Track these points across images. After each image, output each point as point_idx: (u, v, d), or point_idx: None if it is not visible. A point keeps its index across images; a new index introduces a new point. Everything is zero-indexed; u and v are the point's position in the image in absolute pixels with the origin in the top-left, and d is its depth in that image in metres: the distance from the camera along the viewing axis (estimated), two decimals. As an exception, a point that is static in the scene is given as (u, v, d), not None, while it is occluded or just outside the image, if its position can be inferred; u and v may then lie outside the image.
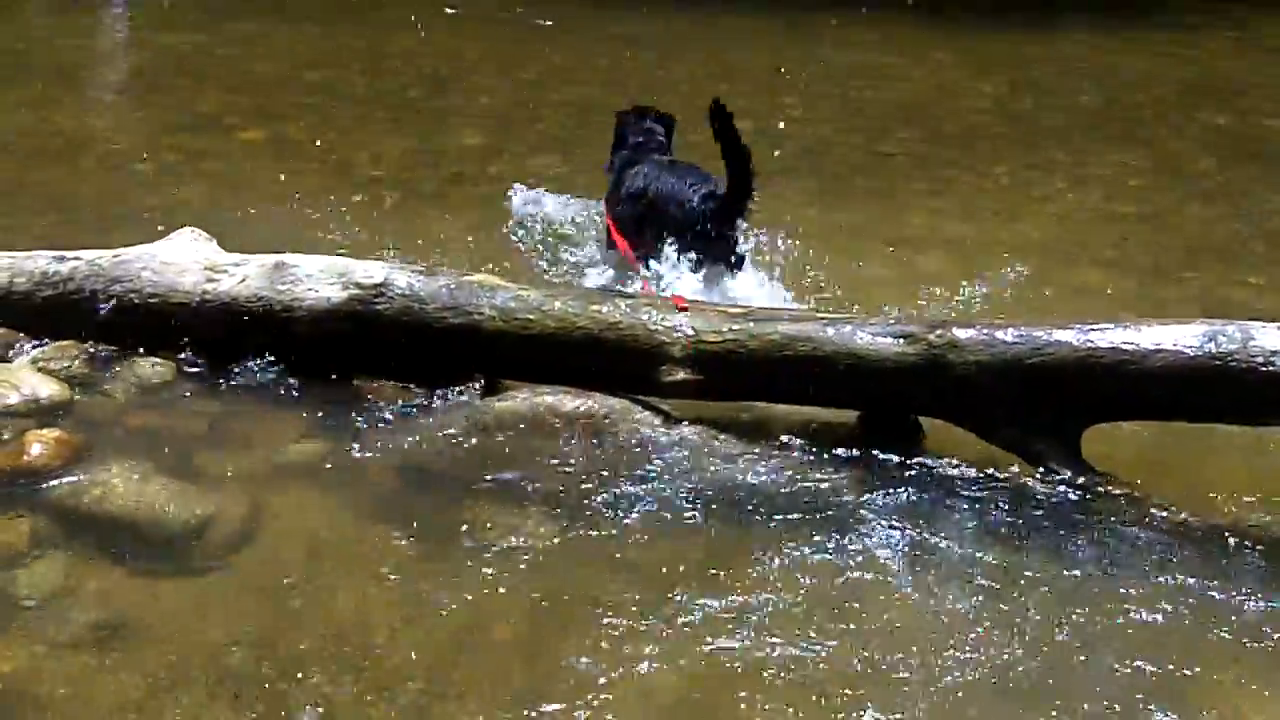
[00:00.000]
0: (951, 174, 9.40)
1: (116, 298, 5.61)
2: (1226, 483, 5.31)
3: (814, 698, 4.10)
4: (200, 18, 13.66)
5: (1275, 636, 4.46)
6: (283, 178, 8.48)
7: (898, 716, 4.05)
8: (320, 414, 5.39)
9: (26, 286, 5.68)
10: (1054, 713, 4.09)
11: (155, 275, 5.65)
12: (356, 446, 5.20)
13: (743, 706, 4.06)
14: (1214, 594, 4.64)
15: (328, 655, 4.18)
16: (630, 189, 6.67)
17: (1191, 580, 4.69)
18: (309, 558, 4.64)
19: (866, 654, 4.30)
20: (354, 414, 5.39)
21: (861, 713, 4.05)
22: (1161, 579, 4.70)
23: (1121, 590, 4.64)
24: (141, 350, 5.60)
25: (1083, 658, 4.34)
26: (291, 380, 5.51)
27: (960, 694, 4.16)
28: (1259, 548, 4.90)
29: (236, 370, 5.55)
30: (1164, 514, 5.05)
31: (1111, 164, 9.74)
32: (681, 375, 5.35)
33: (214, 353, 5.58)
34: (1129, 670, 4.28)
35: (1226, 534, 4.96)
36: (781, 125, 10.10)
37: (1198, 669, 4.29)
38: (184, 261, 5.69)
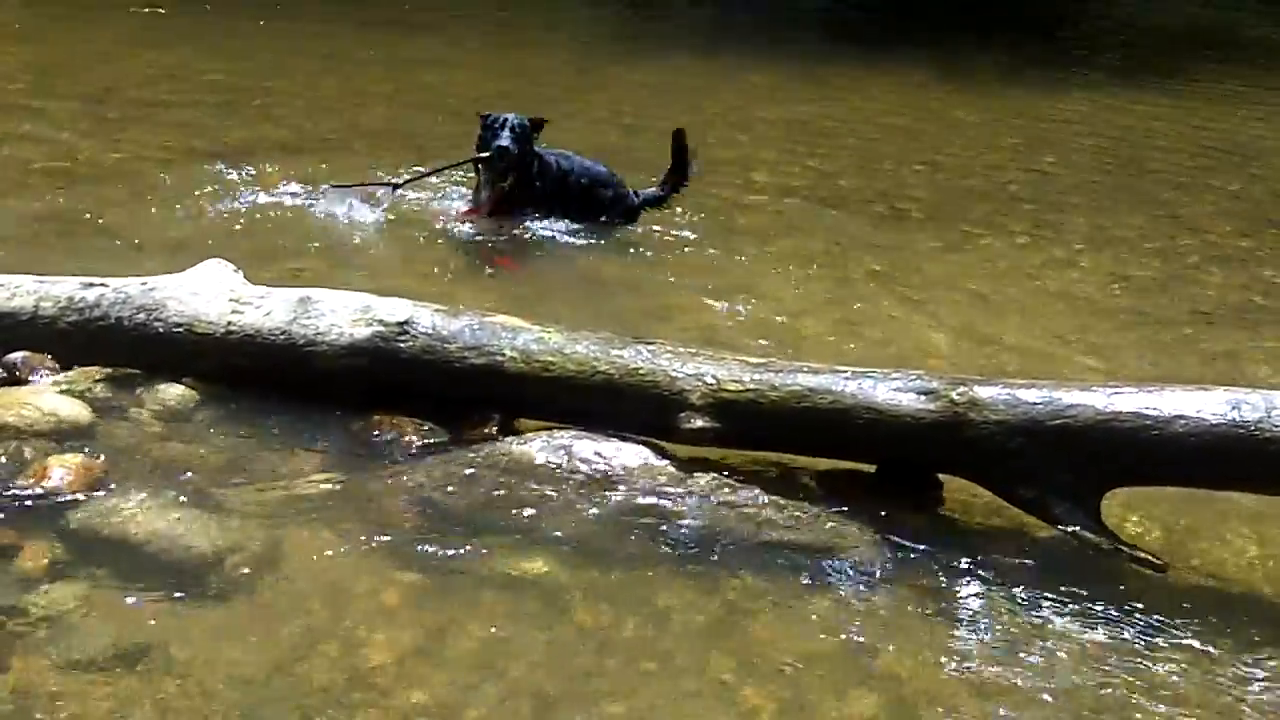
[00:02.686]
0: (968, 231, 9.42)
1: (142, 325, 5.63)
2: (1247, 551, 5.31)
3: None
4: None
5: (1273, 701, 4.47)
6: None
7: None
8: (340, 448, 5.40)
9: (53, 311, 5.69)
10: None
11: (181, 305, 5.66)
12: (374, 482, 5.21)
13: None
14: (1237, 663, 4.64)
15: (341, 690, 4.18)
16: (555, 170, 8.70)
17: (1208, 643, 4.69)
18: (325, 591, 4.64)
19: (881, 711, 4.30)
20: (373, 449, 5.40)
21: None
22: (1182, 645, 4.69)
23: (1141, 654, 4.64)
24: (167, 377, 5.60)
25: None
26: (312, 413, 5.52)
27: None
28: (1272, 614, 4.90)
29: (259, 401, 5.55)
30: (1184, 580, 5.05)
31: (1128, 226, 9.76)
32: (700, 423, 5.35)
33: (236, 383, 5.59)
34: (1142, 716, 4.30)
35: (1248, 602, 4.96)
36: (797, 173, 10.17)
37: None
38: (210, 292, 5.71)
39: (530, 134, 8.39)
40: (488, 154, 8.26)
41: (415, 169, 8.86)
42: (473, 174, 8.71)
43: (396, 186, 8.39)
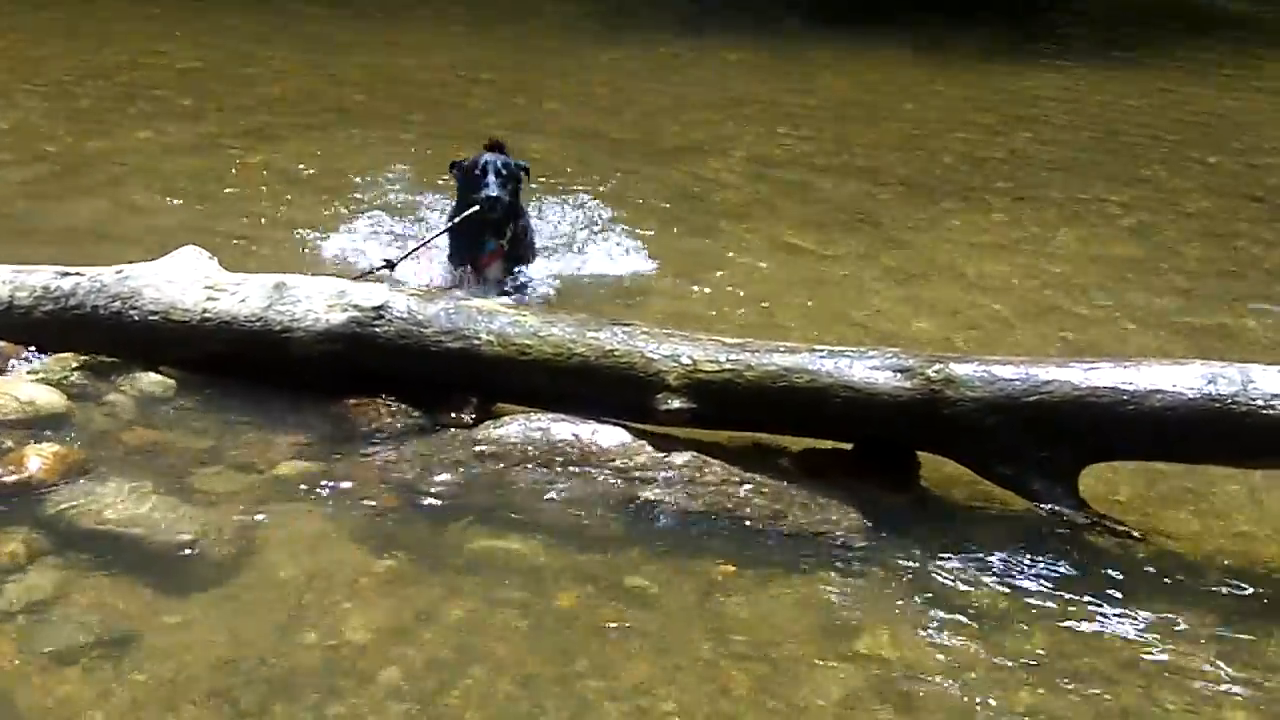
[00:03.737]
0: (946, 207, 9.43)
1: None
2: (1223, 524, 5.33)
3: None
4: None
5: (1263, 666, 4.51)
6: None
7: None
8: (317, 434, 5.39)
9: (28, 301, 5.67)
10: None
11: (157, 292, 5.64)
12: (352, 466, 5.20)
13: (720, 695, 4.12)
14: (1215, 636, 4.66)
15: (322, 675, 4.18)
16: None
17: (1190, 620, 4.71)
18: (304, 577, 4.63)
19: (861, 687, 4.31)
20: (350, 435, 5.39)
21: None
22: (1159, 618, 4.71)
23: (1119, 627, 4.65)
24: (143, 365, 5.59)
25: (1085, 694, 4.35)
26: (289, 399, 5.51)
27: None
28: (1257, 590, 4.91)
29: (236, 387, 5.54)
30: (1160, 553, 5.07)
31: (1107, 200, 9.77)
32: (677, 404, 5.35)
33: (213, 370, 5.58)
34: (1129, 705, 4.30)
35: (1226, 575, 4.98)
36: (777, 153, 10.16)
37: (1196, 708, 4.32)
38: (185, 279, 5.69)
39: (519, 175, 7.37)
40: (474, 207, 7.11)
41: (410, 241, 7.43)
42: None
43: (392, 265, 6.72)
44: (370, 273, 6.45)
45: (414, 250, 6.96)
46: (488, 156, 7.28)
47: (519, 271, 7.44)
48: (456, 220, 7.20)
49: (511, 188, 7.23)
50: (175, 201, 8.51)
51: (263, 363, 5.55)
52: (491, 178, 7.14)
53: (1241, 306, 7.71)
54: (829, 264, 8.11)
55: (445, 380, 5.50)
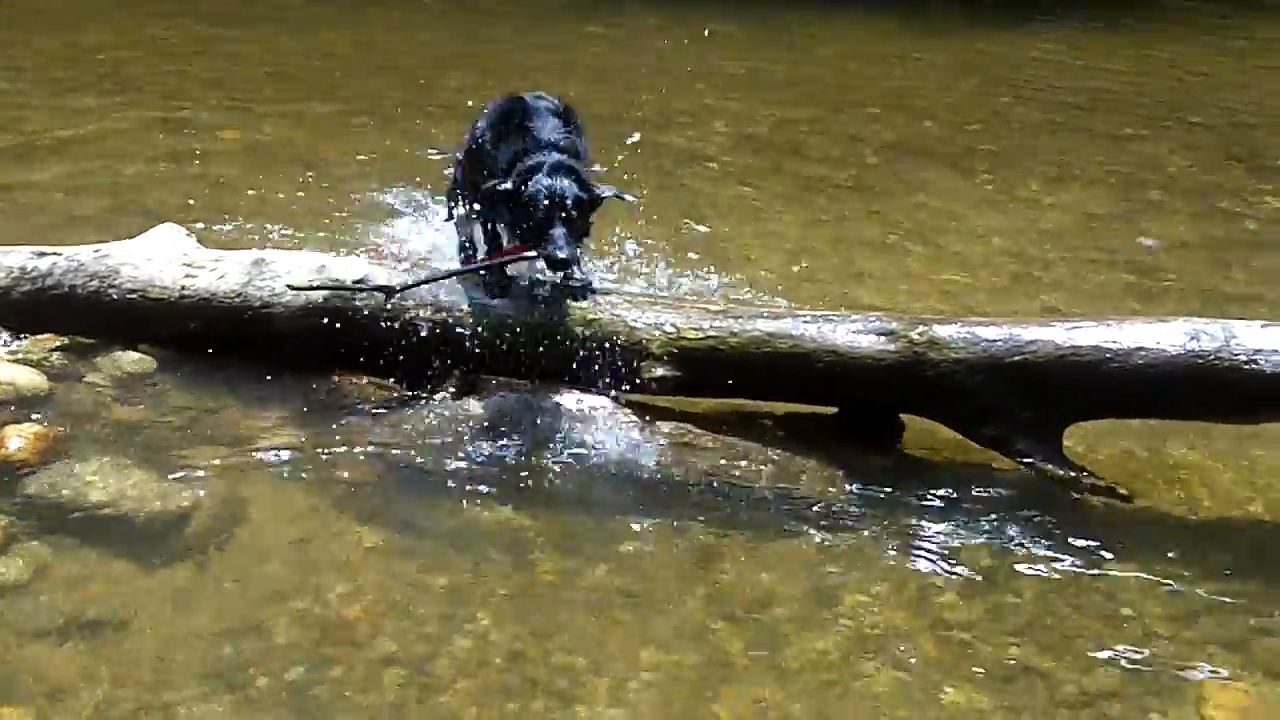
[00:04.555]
0: (930, 172, 9.40)
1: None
2: (1206, 479, 5.33)
3: (791, 688, 4.14)
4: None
5: (1249, 624, 4.54)
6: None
7: (874, 705, 4.10)
8: (299, 409, 5.37)
9: (5, 282, 5.64)
10: (1042, 704, 4.13)
11: (135, 271, 5.61)
12: (336, 441, 5.19)
13: (723, 691, 4.11)
14: (1201, 591, 4.68)
15: (310, 646, 4.18)
16: None
17: (1168, 571, 4.73)
18: (290, 549, 4.64)
19: (849, 647, 4.34)
20: (333, 409, 5.37)
21: (832, 694, 4.12)
22: (1145, 575, 4.72)
23: (1104, 584, 4.66)
24: (122, 344, 5.56)
25: (1061, 647, 4.38)
26: (270, 375, 5.47)
27: (943, 683, 4.20)
28: (1242, 546, 4.92)
29: (217, 365, 5.51)
30: (1145, 510, 5.08)
31: (1090, 163, 9.75)
32: (661, 372, 5.33)
33: (194, 347, 5.54)
34: (1116, 662, 4.33)
35: (1212, 530, 5.00)
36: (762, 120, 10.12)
37: (1183, 660, 4.35)
38: (163, 257, 5.66)
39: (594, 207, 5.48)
40: (537, 254, 5.32)
41: (419, 272, 5.72)
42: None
43: (391, 293, 5.34)
44: (363, 288, 5.40)
45: (418, 284, 5.42)
46: (550, 177, 5.31)
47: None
48: (481, 266, 5.61)
49: (583, 229, 5.42)
50: (152, 179, 8.45)
51: (243, 339, 5.51)
52: (558, 230, 5.25)
53: (1224, 265, 7.71)
54: (813, 229, 8.08)
55: (428, 353, 5.47)
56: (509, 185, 5.32)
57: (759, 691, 4.10)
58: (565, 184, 5.27)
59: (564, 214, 5.22)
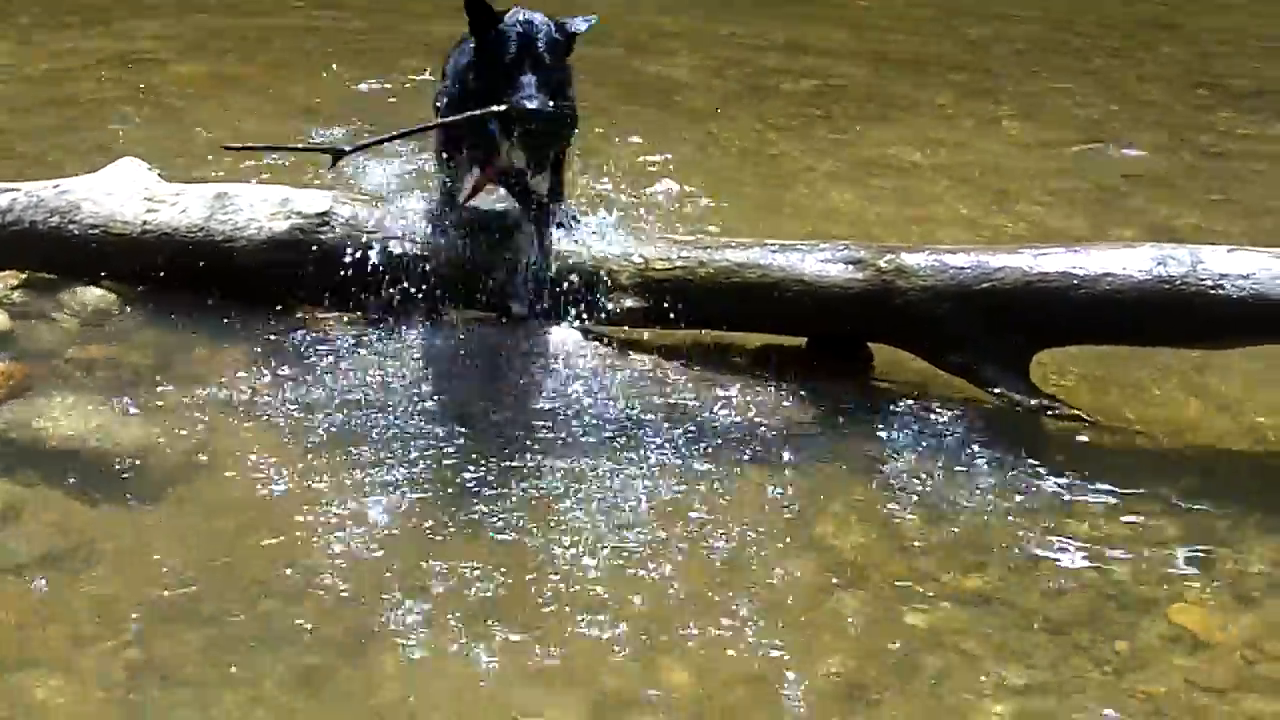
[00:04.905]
0: (898, 103, 9.36)
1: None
2: (1172, 406, 5.36)
3: (759, 615, 4.15)
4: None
5: (1213, 547, 4.57)
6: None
7: (837, 623, 4.14)
8: (265, 345, 5.33)
9: (-36, 219, 5.58)
10: (1009, 628, 4.16)
11: (96, 206, 5.55)
12: (302, 377, 5.16)
13: (692, 619, 4.11)
14: (1170, 511, 4.72)
15: (276, 583, 4.16)
16: None
17: (1134, 497, 4.76)
18: (257, 486, 4.60)
19: (819, 571, 4.36)
20: (299, 345, 5.33)
21: (803, 619, 4.13)
22: (1111, 500, 4.75)
23: (1071, 509, 4.69)
24: (84, 280, 5.51)
25: (1036, 575, 4.40)
26: (236, 311, 5.44)
27: (911, 609, 4.22)
28: (1206, 469, 4.95)
29: (181, 301, 5.47)
30: (1111, 435, 5.10)
31: (1058, 92, 9.72)
32: (630, 303, 5.32)
33: (158, 283, 5.50)
34: (1081, 586, 4.35)
35: (1177, 458, 5.02)
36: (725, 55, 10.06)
37: (1149, 584, 4.38)
38: (124, 192, 5.60)
39: (568, 56, 5.23)
40: (494, 107, 4.97)
41: (368, 134, 6.14)
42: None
43: (339, 154, 5.38)
44: (311, 150, 5.65)
45: (368, 145, 5.51)
46: (526, 19, 5.04)
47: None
48: (450, 120, 5.27)
49: (560, 83, 5.09)
50: (113, 114, 8.35)
51: (208, 274, 5.47)
52: (529, 75, 4.91)
53: (1192, 192, 7.71)
54: (781, 161, 8.05)
55: (393, 286, 5.42)
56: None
57: (728, 620, 4.10)
58: (541, 23, 5.02)
59: (534, 62, 4.91)
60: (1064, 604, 4.28)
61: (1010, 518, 4.64)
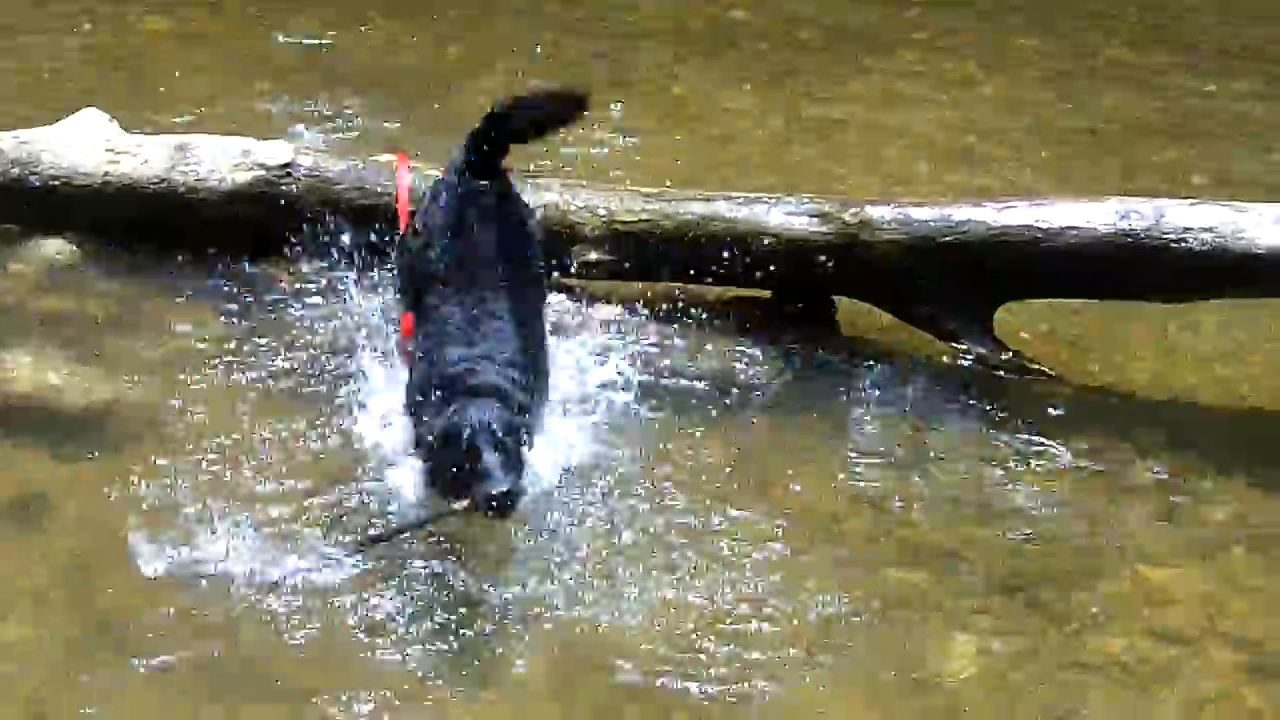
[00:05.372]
0: (864, 58, 9.31)
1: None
2: (1135, 361, 5.38)
3: (729, 571, 4.16)
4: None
5: (1174, 501, 4.62)
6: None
7: (804, 580, 4.14)
8: (226, 297, 5.31)
9: (-78, 171, 5.51)
10: (974, 582, 4.21)
11: (56, 158, 5.50)
12: (262, 330, 5.13)
13: (663, 566, 4.14)
14: (1126, 468, 4.76)
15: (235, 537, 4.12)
16: None
17: (1098, 452, 4.79)
18: (220, 439, 4.54)
19: (780, 523, 4.37)
20: (262, 296, 5.31)
21: (773, 578, 4.13)
22: (1070, 451, 4.77)
23: (1035, 463, 4.72)
24: (45, 232, 5.47)
25: (1001, 529, 4.45)
26: (199, 263, 5.41)
27: (879, 563, 4.26)
28: (1169, 423, 4.98)
29: (144, 253, 5.43)
30: (1075, 390, 5.13)
31: (1025, 49, 9.69)
32: (595, 255, 5.31)
33: (120, 236, 5.45)
34: (1049, 541, 4.40)
35: (1139, 410, 5.06)
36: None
37: (1113, 538, 4.43)
38: (85, 143, 5.55)
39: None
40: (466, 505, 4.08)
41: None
42: None
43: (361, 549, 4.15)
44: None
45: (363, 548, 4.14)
46: (468, 414, 4.13)
47: None
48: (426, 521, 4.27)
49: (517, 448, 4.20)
50: (74, 68, 8.25)
51: (170, 226, 5.43)
52: (489, 455, 4.05)
53: (1157, 148, 7.72)
54: (747, 118, 8.01)
55: (357, 237, 5.39)
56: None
57: (697, 582, 4.10)
58: (482, 413, 4.12)
59: (491, 441, 4.06)
60: (1028, 558, 4.31)
61: (974, 472, 4.67)
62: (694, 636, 3.89)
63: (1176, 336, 5.53)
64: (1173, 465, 4.76)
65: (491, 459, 4.01)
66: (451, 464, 4.06)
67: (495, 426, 4.07)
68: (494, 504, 3.98)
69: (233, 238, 5.42)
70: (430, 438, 4.15)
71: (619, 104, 7.71)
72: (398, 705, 3.61)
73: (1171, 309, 5.47)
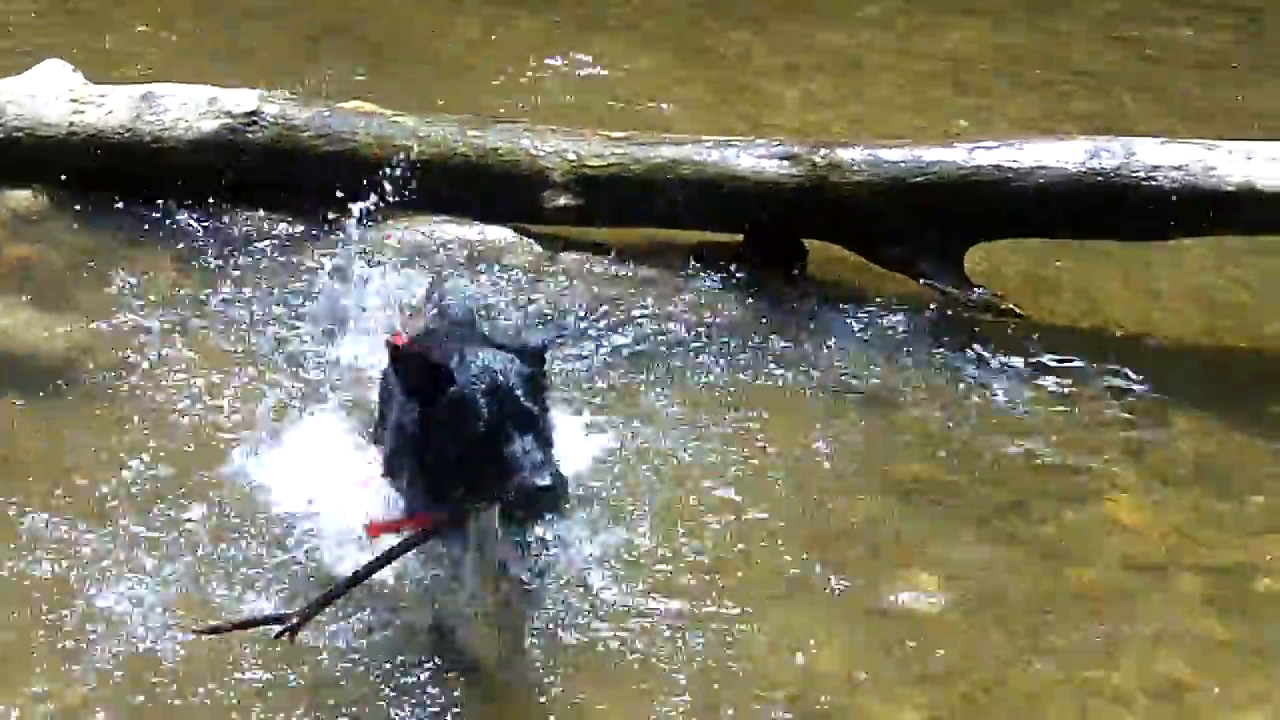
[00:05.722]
0: (838, 2, 9.26)
1: None
2: (1107, 300, 5.38)
3: (694, 503, 4.18)
4: None
5: (1144, 436, 4.63)
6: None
7: (775, 512, 4.17)
8: (195, 246, 5.27)
9: (-117, 125, 5.46)
10: (948, 514, 4.22)
11: (20, 109, 5.45)
12: (228, 280, 5.10)
13: (622, 486, 4.17)
14: (1096, 403, 4.77)
15: (197, 485, 4.11)
16: None
17: (1069, 389, 4.80)
18: (181, 387, 4.52)
19: (752, 459, 4.37)
20: (228, 245, 5.27)
21: (739, 512, 4.16)
22: (1041, 388, 4.80)
23: (1006, 401, 4.73)
24: (11, 183, 5.40)
25: (972, 463, 4.46)
26: (164, 212, 5.37)
27: (848, 498, 4.27)
28: (1136, 360, 4.99)
29: (109, 202, 5.38)
30: (1045, 328, 5.13)
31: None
32: (564, 201, 5.29)
33: (86, 186, 5.40)
34: (1018, 474, 4.42)
35: (1108, 347, 5.05)
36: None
37: (1081, 472, 4.44)
38: (49, 94, 5.50)
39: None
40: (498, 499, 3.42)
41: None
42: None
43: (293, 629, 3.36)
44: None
45: (319, 609, 3.44)
46: (483, 365, 3.43)
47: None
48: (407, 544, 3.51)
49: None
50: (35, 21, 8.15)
51: (136, 175, 5.39)
52: (522, 443, 3.31)
53: (1131, 89, 7.70)
54: (714, 61, 7.96)
55: (325, 185, 5.35)
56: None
57: (666, 511, 4.10)
58: (496, 363, 3.42)
59: (517, 415, 3.34)
60: (999, 490, 4.33)
61: (946, 408, 4.68)
62: (665, 564, 3.90)
63: (1147, 276, 5.51)
64: (1143, 402, 4.77)
65: (527, 440, 3.26)
66: (465, 447, 3.30)
67: (518, 388, 3.34)
68: (537, 502, 3.26)
69: (199, 186, 5.38)
70: (420, 413, 3.38)
71: (592, 47, 7.66)
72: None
73: (1142, 248, 5.46)
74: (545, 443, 3.35)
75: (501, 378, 3.35)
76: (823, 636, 3.74)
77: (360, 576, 3.40)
